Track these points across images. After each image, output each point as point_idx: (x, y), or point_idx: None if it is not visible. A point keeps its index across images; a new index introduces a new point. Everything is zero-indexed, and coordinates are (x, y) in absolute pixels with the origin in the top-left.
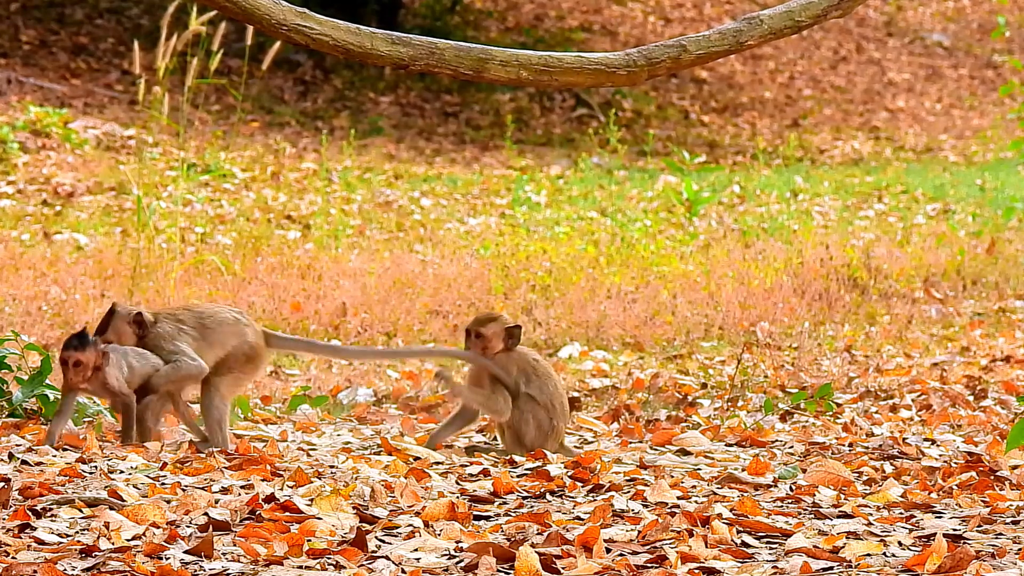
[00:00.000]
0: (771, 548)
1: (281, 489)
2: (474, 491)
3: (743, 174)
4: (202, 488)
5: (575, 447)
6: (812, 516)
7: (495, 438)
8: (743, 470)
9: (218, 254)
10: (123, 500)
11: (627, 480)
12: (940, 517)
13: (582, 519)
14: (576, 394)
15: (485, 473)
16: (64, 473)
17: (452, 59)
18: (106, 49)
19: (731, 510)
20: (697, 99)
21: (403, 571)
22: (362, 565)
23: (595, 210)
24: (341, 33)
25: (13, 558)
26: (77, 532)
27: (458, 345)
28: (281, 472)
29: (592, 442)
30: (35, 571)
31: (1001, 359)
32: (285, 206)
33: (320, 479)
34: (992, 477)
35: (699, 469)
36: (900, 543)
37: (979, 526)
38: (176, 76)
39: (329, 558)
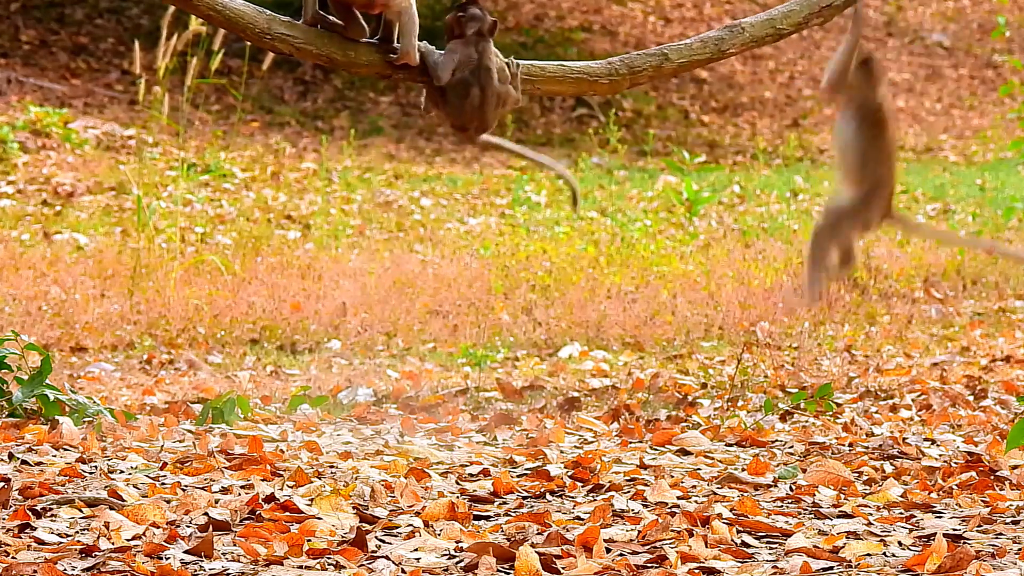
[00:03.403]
0: (771, 548)
1: (281, 489)
2: (474, 491)
3: (743, 174)
4: (202, 488)
5: (575, 447)
6: (812, 516)
7: (494, 437)
8: (743, 470)
9: (218, 254)
10: (123, 500)
11: (627, 480)
12: (940, 517)
13: (582, 519)
14: (576, 394)
15: (485, 473)
16: (64, 473)
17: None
18: (106, 49)
19: (731, 510)
20: (697, 99)
21: (403, 571)
22: (362, 565)
23: (595, 210)
24: (325, 42)
25: (13, 558)
26: (77, 532)
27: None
28: (281, 472)
29: (592, 442)
30: (35, 571)
31: (1001, 359)
32: (285, 206)
33: (320, 479)
34: (992, 477)
35: (699, 469)
36: (900, 543)
37: (979, 526)
38: (176, 76)
39: (329, 558)
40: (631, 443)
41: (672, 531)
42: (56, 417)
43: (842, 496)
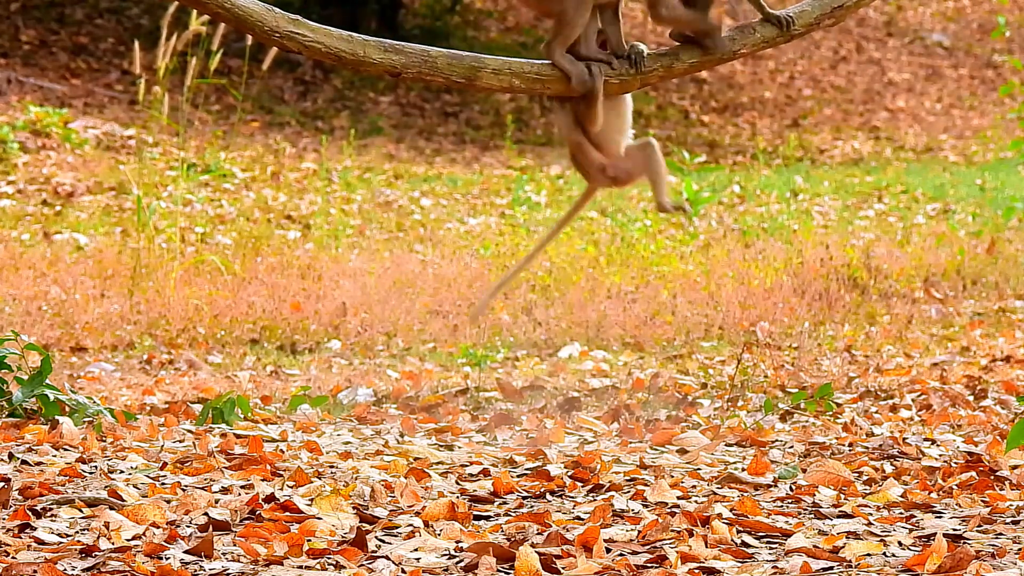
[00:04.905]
0: (771, 548)
1: (281, 489)
2: (474, 491)
3: (743, 174)
4: (202, 488)
5: (575, 447)
6: (812, 516)
7: (495, 437)
8: (743, 470)
9: (218, 254)
10: (123, 500)
11: (627, 480)
12: (940, 517)
13: (582, 519)
14: (576, 394)
15: (485, 473)
16: (64, 473)
17: (444, 67)
18: (106, 49)
19: (731, 510)
20: (697, 99)
21: (403, 571)
22: (362, 565)
23: (595, 210)
24: (333, 40)
25: (13, 558)
26: (77, 532)
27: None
28: (281, 472)
29: (592, 442)
30: (35, 571)
31: (1001, 359)
32: (285, 206)
33: (320, 479)
34: (992, 477)
35: (699, 469)
36: (900, 543)
37: (979, 526)
38: (176, 76)
39: (329, 558)
40: (631, 443)
41: (672, 531)
42: (56, 417)
43: (842, 496)
